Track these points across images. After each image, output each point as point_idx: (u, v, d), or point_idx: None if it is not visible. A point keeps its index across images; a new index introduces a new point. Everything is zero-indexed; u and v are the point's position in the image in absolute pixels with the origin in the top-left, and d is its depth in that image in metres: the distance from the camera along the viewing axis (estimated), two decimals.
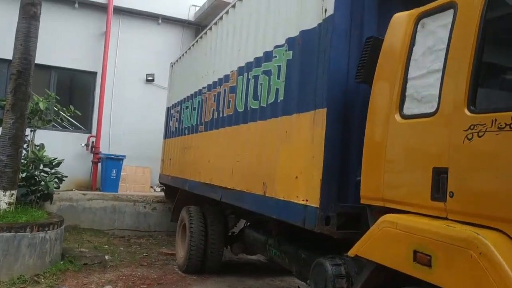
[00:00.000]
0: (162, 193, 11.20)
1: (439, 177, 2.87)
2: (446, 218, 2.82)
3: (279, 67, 4.94)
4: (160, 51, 12.32)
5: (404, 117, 3.22)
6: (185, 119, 8.91)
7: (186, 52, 9.74)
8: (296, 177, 4.33)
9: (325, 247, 4.64)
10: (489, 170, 2.56)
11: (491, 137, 2.54)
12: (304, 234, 4.83)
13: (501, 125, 2.48)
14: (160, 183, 11.12)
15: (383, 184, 3.35)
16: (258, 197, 5.07)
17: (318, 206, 3.88)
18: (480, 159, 2.63)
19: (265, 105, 5.18)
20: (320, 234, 4.08)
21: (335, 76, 4.00)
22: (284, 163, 4.60)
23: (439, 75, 2.96)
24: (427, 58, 3.11)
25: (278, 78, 4.92)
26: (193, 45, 9.16)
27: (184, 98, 9.14)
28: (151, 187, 12.21)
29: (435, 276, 2.66)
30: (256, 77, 5.52)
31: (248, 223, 7.02)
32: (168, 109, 10.79)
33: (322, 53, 4.14)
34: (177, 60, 10.57)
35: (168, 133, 10.48)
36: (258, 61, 5.51)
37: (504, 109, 2.51)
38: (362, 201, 3.60)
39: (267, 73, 5.22)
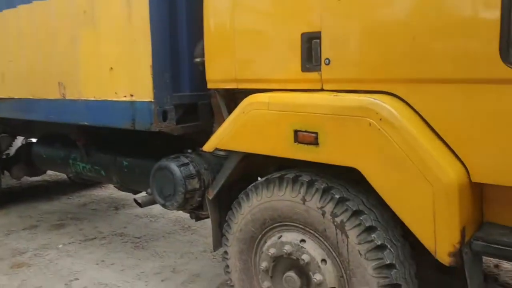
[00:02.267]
0: None
1: (311, 43, 2.50)
2: (321, 90, 2.52)
3: None
4: None
5: None
6: None
7: None
8: (111, 68, 3.42)
9: (150, 149, 4.02)
10: (371, 28, 2.29)
11: None
12: (120, 138, 4.07)
13: None
14: None
15: (236, 62, 2.83)
16: (55, 103, 3.96)
17: (152, 100, 3.15)
18: (358, 17, 2.32)
19: None
20: (136, 136, 3.43)
21: None
22: (89, 54, 3.59)
23: None
24: None
25: None
26: None
27: None
28: None
29: (324, 154, 2.39)
30: None
31: (32, 140, 5.69)
32: None
33: None
34: None
35: None
36: None
37: None
38: (209, 86, 3.04)
39: None
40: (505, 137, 2.01)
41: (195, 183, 3.18)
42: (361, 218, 2.37)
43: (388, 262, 2.32)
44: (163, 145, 3.93)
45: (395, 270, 2.33)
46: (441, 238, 2.11)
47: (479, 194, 2.27)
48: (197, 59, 3.16)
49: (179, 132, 3.32)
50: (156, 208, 6.28)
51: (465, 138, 2.12)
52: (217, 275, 4.20)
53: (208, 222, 5.04)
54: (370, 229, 2.36)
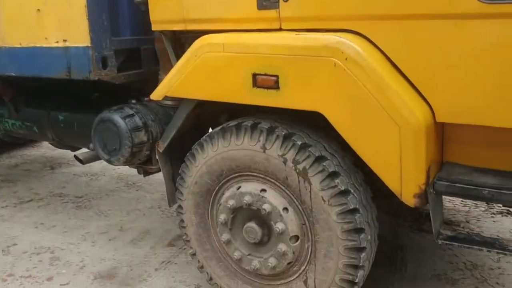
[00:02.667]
0: None
1: None
2: (279, 29, 2.34)
3: None
4: None
5: None
6: None
7: None
8: (38, 10, 3.02)
9: (89, 101, 3.70)
10: None
11: None
12: (53, 90, 3.71)
13: None
14: None
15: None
16: None
17: (90, 45, 2.83)
18: None
19: None
20: (72, 87, 3.14)
21: None
22: None
23: None
24: None
25: None
26: None
27: None
28: None
29: (285, 99, 2.25)
30: None
31: None
32: None
33: None
34: None
35: None
36: None
37: None
38: (153, 28, 2.75)
39: None
40: (470, 75, 1.97)
41: (142, 136, 2.95)
42: (324, 164, 2.28)
43: (352, 207, 2.27)
44: (103, 96, 3.62)
45: (358, 215, 2.29)
46: (407, 180, 2.08)
47: (440, 135, 2.24)
48: None
49: (121, 81, 3.04)
50: (97, 166, 5.99)
51: (431, 78, 2.05)
52: (167, 231, 4.06)
53: (153, 178, 4.88)
54: (333, 175, 2.29)
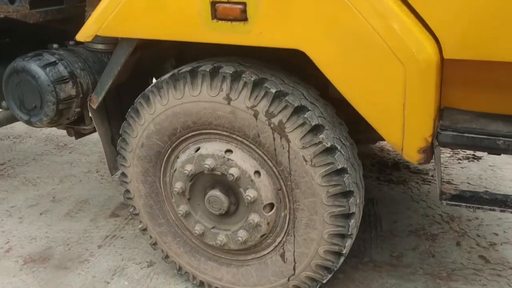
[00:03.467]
0: None
1: None
2: None
3: None
4: None
5: None
6: None
7: None
8: None
9: None
10: None
11: None
12: None
13: None
14: None
15: None
16: None
17: None
18: None
19: None
20: None
21: None
22: None
23: None
24: None
25: None
26: None
27: None
28: None
29: (255, 34, 1.75)
30: None
31: None
32: None
33: None
34: None
35: None
36: None
37: None
38: None
39: None
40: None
41: (69, 89, 2.35)
42: (305, 116, 1.85)
43: (339, 166, 1.87)
44: (16, 42, 2.91)
45: (347, 175, 1.90)
46: (411, 131, 1.69)
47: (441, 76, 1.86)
48: None
49: (36, 20, 2.38)
50: (20, 126, 5.21)
51: (440, 4, 1.62)
52: (109, 199, 3.53)
53: (88, 138, 4.25)
54: (316, 129, 1.86)
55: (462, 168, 3.82)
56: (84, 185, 3.79)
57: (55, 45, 2.46)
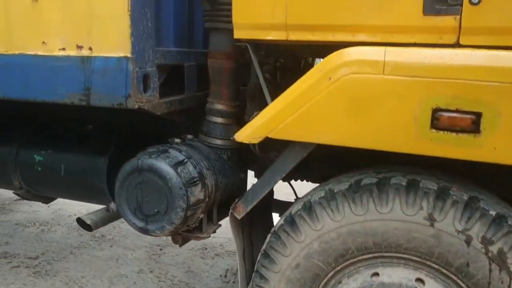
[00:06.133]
0: None
1: None
2: (456, 45, 1.59)
3: None
4: None
5: None
6: None
7: None
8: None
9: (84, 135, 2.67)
10: None
11: None
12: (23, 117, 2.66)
13: None
14: None
15: None
16: None
17: (130, 55, 1.84)
18: None
19: None
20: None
21: None
22: None
23: None
24: None
25: None
26: None
27: None
28: None
29: (489, 148, 1.47)
30: None
31: None
32: None
33: None
34: None
35: None
36: None
37: None
38: (237, 35, 1.85)
39: None
40: None
41: (198, 192, 2.00)
42: None
43: None
44: (100, 130, 2.60)
45: None
46: None
47: None
48: None
49: (162, 111, 2.07)
50: (46, 211, 4.72)
51: None
52: None
53: (129, 229, 3.81)
54: None
55: None
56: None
57: (177, 140, 2.13)
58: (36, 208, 4.88)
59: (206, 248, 3.93)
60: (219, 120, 2.22)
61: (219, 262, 3.71)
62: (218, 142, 2.22)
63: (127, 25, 1.81)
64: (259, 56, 1.99)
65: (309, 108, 1.64)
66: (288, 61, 2.27)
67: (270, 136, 1.71)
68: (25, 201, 5.11)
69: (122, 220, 4.54)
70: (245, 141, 1.76)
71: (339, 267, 1.79)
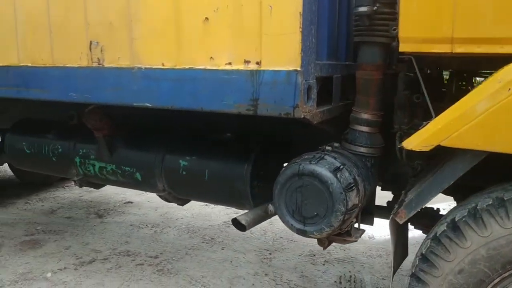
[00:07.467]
0: None
1: None
2: None
3: None
4: None
5: None
6: None
7: None
8: (206, 18, 2.19)
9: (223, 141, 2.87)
10: None
11: None
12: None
13: None
14: None
15: (455, 12, 1.81)
16: (81, 73, 2.59)
17: (299, 69, 2.00)
18: None
19: None
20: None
21: None
22: None
23: None
24: None
25: None
26: None
27: None
28: None
29: None
30: None
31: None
32: None
33: None
34: None
35: None
36: None
37: None
38: (402, 49, 1.95)
39: None
40: None
41: (354, 197, 2.11)
42: None
43: None
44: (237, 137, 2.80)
45: None
46: None
47: None
48: (362, 9, 2.07)
49: (317, 120, 2.20)
50: (154, 213, 5.04)
51: None
52: None
53: (237, 233, 3.99)
54: None
55: None
56: None
57: (327, 147, 2.26)
58: (145, 211, 5.21)
59: (314, 255, 4.02)
60: (364, 128, 2.33)
61: (330, 268, 3.79)
62: (363, 150, 2.32)
63: (298, 42, 1.96)
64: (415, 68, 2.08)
65: (486, 118, 1.70)
66: (434, 72, 2.35)
67: (442, 144, 1.79)
68: (134, 203, 5.53)
69: (228, 223, 4.76)
70: (416, 149, 1.85)
71: (506, 274, 1.82)
